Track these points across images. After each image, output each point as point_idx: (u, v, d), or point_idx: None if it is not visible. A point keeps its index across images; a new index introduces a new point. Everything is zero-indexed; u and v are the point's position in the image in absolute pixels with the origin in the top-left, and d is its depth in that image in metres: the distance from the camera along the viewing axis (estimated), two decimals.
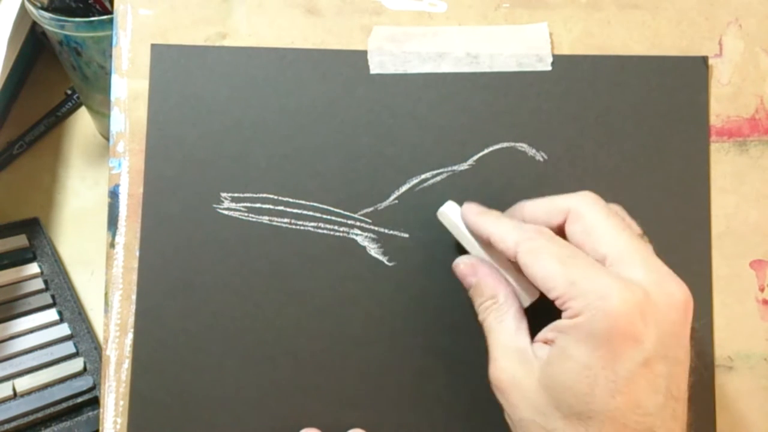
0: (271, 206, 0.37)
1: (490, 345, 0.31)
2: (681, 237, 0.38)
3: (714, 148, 0.39)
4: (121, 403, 0.36)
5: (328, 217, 0.37)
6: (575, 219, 0.30)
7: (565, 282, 0.28)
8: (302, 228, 0.37)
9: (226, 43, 0.37)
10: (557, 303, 0.28)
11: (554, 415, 0.27)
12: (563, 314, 0.28)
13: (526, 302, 0.32)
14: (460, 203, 0.37)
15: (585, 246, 0.29)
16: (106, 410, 0.36)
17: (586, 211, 0.30)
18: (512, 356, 0.29)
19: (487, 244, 0.33)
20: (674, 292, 0.28)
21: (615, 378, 0.26)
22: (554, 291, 0.28)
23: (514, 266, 0.32)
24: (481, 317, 0.32)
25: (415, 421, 0.37)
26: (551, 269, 0.28)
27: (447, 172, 0.38)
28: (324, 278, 0.37)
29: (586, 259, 0.28)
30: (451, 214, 0.35)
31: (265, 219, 0.37)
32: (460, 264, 0.34)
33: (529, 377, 0.29)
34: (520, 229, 0.31)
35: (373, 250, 0.37)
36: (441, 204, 0.36)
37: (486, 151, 0.38)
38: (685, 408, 0.28)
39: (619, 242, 0.29)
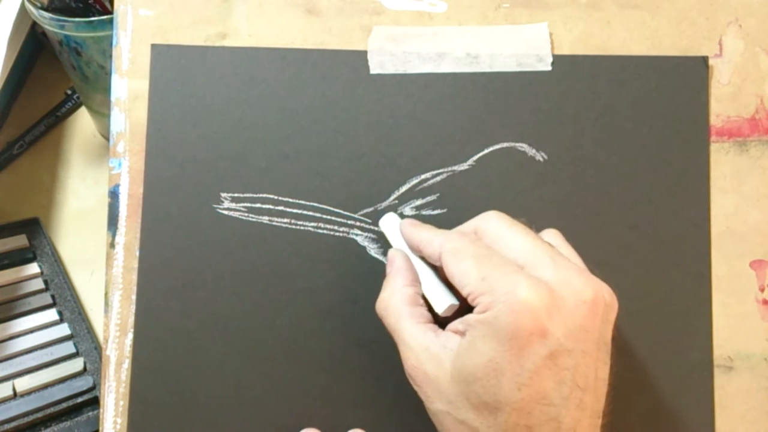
0: (271, 206, 0.37)
1: (396, 343, 0.32)
2: (681, 237, 0.38)
3: (714, 148, 0.39)
4: (121, 403, 0.36)
5: (328, 217, 0.37)
6: (482, 235, 0.32)
7: (477, 277, 0.29)
8: (302, 228, 0.37)
9: (226, 43, 0.37)
10: (469, 299, 0.29)
11: (465, 406, 0.29)
12: (474, 309, 0.29)
13: (442, 309, 0.32)
14: (460, 203, 0.37)
15: None
16: (106, 410, 0.36)
17: (490, 224, 0.32)
18: (420, 353, 0.30)
19: (418, 253, 0.34)
20: (582, 289, 0.28)
21: (520, 371, 0.27)
22: (467, 287, 0.29)
23: (440, 275, 0.33)
24: (380, 314, 0.33)
25: (415, 421, 0.37)
26: (466, 266, 0.30)
27: (447, 172, 0.38)
28: (324, 278, 0.37)
29: (500, 259, 0.30)
30: (391, 225, 0.36)
31: (265, 219, 0.37)
32: (389, 252, 0.35)
33: (440, 370, 0.30)
34: (445, 234, 0.32)
35: (373, 250, 0.37)
36: (441, 207, 0.36)
37: (486, 151, 0.38)
38: (595, 397, 0.29)
39: (526, 246, 0.30)
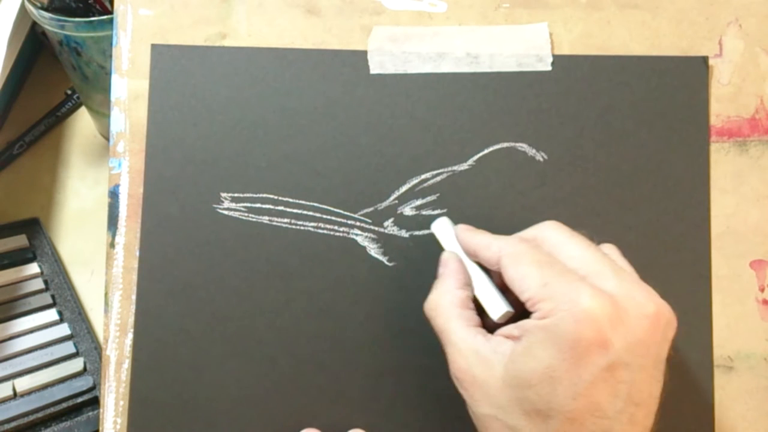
0: (271, 206, 0.37)
1: (443, 344, 0.31)
2: (681, 237, 0.38)
3: (714, 148, 0.39)
4: (121, 403, 0.36)
5: (328, 217, 0.37)
6: (542, 243, 0.31)
7: (539, 283, 0.29)
8: (302, 228, 0.37)
9: (226, 43, 0.37)
10: (528, 305, 0.29)
11: (516, 412, 0.28)
12: (532, 315, 0.29)
13: (498, 315, 0.32)
14: (460, 203, 0.37)
15: None
16: (106, 410, 0.36)
17: (550, 234, 0.31)
18: (469, 356, 0.30)
19: (474, 258, 0.33)
20: (645, 303, 0.28)
21: (577, 381, 0.27)
22: (527, 292, 0.29)
23: (496, 280, 0.33)
24: (428, 314, 0.33)
25: (415, 421, 0.37)
26: (527, 271, 0.29)
27: (447, 172, 0.38)
28: (324, 278, 0.37)
29: (562, 266, 0.29)
30: (444, 228, 0.36)
31: (265, 219, 0.37)
32: (443, 254, 0.35)
33: (490, 374, 0.29)
34: (504, 239, 0.32)
35: (373, 250, 0.37)
36: (441, 207, 0.36)
37: (486, 151, 0.38)
38: (646, 413, 0.28)
39: (587, 256, 0.30)
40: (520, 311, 0.31)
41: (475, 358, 0.30)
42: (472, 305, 0.32)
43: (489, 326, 0.31)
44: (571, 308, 0.27)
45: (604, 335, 0.27)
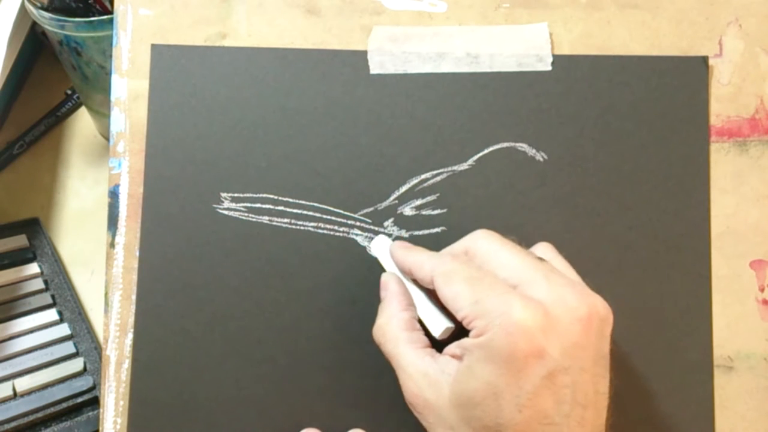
0: (271, 206, 0.37)
1: (395, 369, 0.31)
2: (681, 237, 0.38)
3: (714, 148, 0.39)
4: (121, 403, 0.36)
5: (328, 217, 0.37)
6: (473, 256, 0.31)
7: (471, 301, 0.29)
8: (302, 228, 0.37)
9: (226, 43, 0.37)
10: (464, 323, 0.29)
11: (467, 431, 0.28)
12: (470, 333, 0.29)
13: (439, 332, 0.32)
14: (460, 203, 0.37)
15: None
16: (106, 410, 0.36)
17: (480, 244, 0.31)
18: (419, 380, 0.30)
19: (410, 277, 0.34)
20: (576, 306, 0.28)
21: (519, 393, 0.27)
22: (461, 311, 0.29)
23: (433, 297, 0.33)
24: (377, 340, 0.33)
25: (415, 421, 0.37)
26: (459, 290, 0.29)
27: (447, 172, 0.38)
28: (324, 278, 0.37)
29: (492, 280, 0.29)
30: (382, 248, 0.36)
31: (265, 219, 0.37)
32: (382, 276, 0.35)
33: (439, 396, 0.29)
34: (437, 257, 0.32)
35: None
36: (441, 207, 0.36)
37: (486, 151, 0.38)
38: (595, 412, 0.28)
39: (518, 264, 0.30)
40: (463, 326, 0.31)
41: (424, 382, 0.30)
42: (418, 326, 0.32)
43: (438, 344, 0.32)
44: (502, 322, 0.27)
45: (539, 344, 0.27)
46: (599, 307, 0.29)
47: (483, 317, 0.28)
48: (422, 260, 0.32)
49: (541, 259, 0.31)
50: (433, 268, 0.31)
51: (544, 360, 0.27)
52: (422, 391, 0.30)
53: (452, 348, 0.30)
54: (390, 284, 0.34)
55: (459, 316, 0.29)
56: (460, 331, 0.31)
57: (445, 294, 0.30)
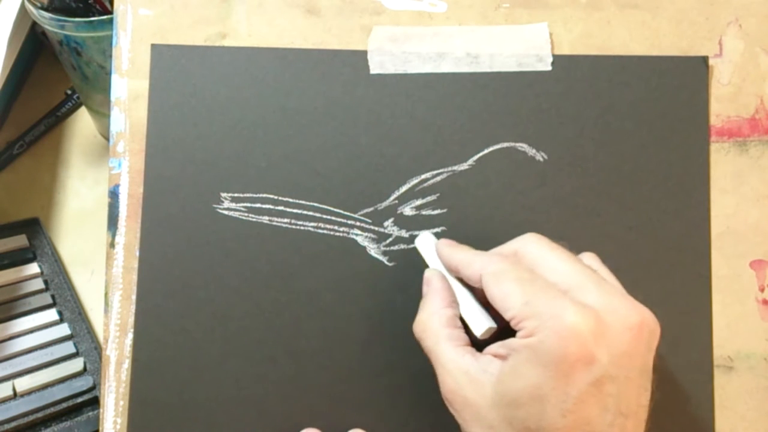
0: (271, 206, 0.37)
1: (434, 365, 0.31)
2: (681, 237, 0.38)
3: (714, 148, 0.39)
4: (121, 403, 0.36)
5: (328, 217, 0.37)
6: (523, 258, 0.31)
7: (521, 302, 0.29)
8: (302, 228, 0.37)
9: (226, 43, 0.37)
10: (512, 323, 0.29)
11: (507, 431, 0.28)
12: (517, 334, 0.29)
13: (481, 332, 0.32)
14: (460, 203, 0.37)
15: None
16: (106, 410, 0.36)
17: (531, 248, 0.31)
18: (459, 377, 0.30)
19: (456, 274, 0.33)
20: (627, 315, 0.28)
21: (565, 398, 0.27)
22: (510, 311, 0.29)
23: (479, 296, 0.32)
24: (418, 335, 0.33)
25: (415, 421, 0.37)
26: (509, 290, 0.29)
27: (447, 172, 0.38)
28: (324, 278, 0.37)
29: (544, 282, 0.29)
30: (427, 245, 0.36)
31: (265, 219, 0.37)
32: (426, 272, 0.35)
33: (480, 395, 0.29)
34: (486, 256, 0.32)
35: (373, 250, 0.37)
36: (441, 207, 0.36)
37: (486, 151, 0.38)
38: (636, 423, 0.28)
39: (568, 270, 0.30)
40: (506, 326, 0.30)
41: (464, 379, 0.30)
42: (459, 323, 0.32)
43: (479, 343, 0.31)
44: (554, 325, 0.27)
45: (589, 350, 0.27)
46: (649, 319, 0.29)
47: (533, 318, 0.28)
48: (471, 258, 0.32)
49: (590, 267, 0.31)
50: (483, 267, 0.31)
51: (593, 366, 0.27)
52: (461, 389, 0.30)
53: (495, 347, 0.30)
54: (433, 280, 0.34)
55: (507, 316, 0.29)
56: (500, 333, 0.31)
57: (494, 293, 0.30)
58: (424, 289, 0.34)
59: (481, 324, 0.32)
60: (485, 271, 0.31)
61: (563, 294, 0.29)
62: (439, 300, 0.33)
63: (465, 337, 0.32)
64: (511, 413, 0.28)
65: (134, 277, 0.36)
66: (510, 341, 0.29)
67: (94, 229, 0.55)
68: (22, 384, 0.43)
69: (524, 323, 0.28)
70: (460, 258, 0.33)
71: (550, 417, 0.27)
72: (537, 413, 0.27)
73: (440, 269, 0.34)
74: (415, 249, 0.37)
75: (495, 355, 0.30)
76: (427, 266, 0.35)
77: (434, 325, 0.32)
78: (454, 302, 0.33)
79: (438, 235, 0.37)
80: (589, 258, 0.33)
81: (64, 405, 0.43)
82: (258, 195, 0.37)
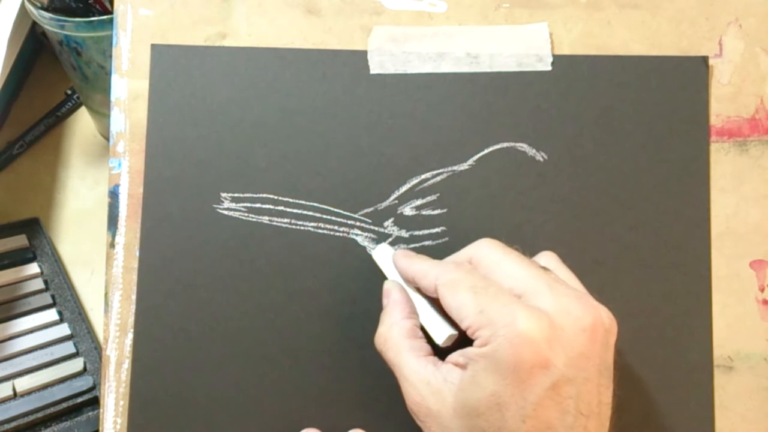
0: (271, 206, 0.37)
1: (397, 377, 0.31)
2: (681, 237, 0.38)
3: (714, 148, 0.39)
4: (121, 403, 0.36)
5: (329, 217, 0.37)
6: (477, 264, 0.31)
7: (475, 311, 0.29)
8: (302, 228, 0.37)
9: (226, 43, 0.37)
10: (468, 333, 0.29)
11: None
12: (474, 343, 0.29)
13: (442, 340, 0.32)
14: (460, 203, 0.37)
15: None
16: (106, 410, 0.36)
17: (484, 253, 0.31)
18: (421, 388, 0.30)
19: (413, 285, 0.34)
20: (581, 316, 0.28)
21: (524, 404, 0.27)
22: (465, 320, 0.29)
23: (436, 305, 0.33)
24: (379, 348, 0.33)
25: (415, 422, 0.37)
26: (463, 299, 0.29)
27: (447, 172, 0.38)
28: (324, 278, 0.37)
29: (497, 289, 0.29)
30: (384, 256, 0.36)
31: (265, 219, 0.37)
32: (384, 284, 0.35)
33: (443, 405, 0.29)
34: (441, 265, 0.32)
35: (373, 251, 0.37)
36: (441, 207, 0.36)
37: (486, 151, 0.38)
38: (598, 422, 0.28)
39: (522, 274, 0.30)
40: (466, 334, 0.31)
41: (427, 390, 0.30)
42: (420, 333, 0.32)
43: (441, 352, 0.31)
44: (507, 333, 0.27)
45: (544, 355, 0.27)
46: (604, 317, 0.29)
47: (488, 327, 0.28)
48: (426, 269, 0.32)
49: (545, 268, 0.31)
50: (438, 277, 0.31)
51: (549, 371, 0.27)
52: (425, 400, 0.30)
53: (455, 356, 0.30)
54: (392, 292, 0.34)
55: (463, 326, 0.29)
56: (463, 340, 0.31)
57: (449, 303, 0.30)
58: (384, 301, 0.34)
59: (442, 332, 0.32)
60: (440, 282, 0.31)
61: (516, 300, 0.29)
62: (399, 311, 0.33)
63: (426, 347, 0.32)
64: (472, 422, 0.28)
65: (134, 277, 0.36)
66: (468, 350, 0.29)
67: (94, 229, 0.55)
68: (22, 384, 0.43)
69: (479, 332, 0.28)
70: (416, 269, 0.33)
71: (511, 424, 0.27)
72: (497, 421, 0.27)
73: (399, 280, 0.35)
74: (415, 247, 0.37)
75: (455, 364, 0.30)
76: (385, 278, 0.35)
77: (395, 336, 0.32)
78: (413, 313, 0.33)
79: (438, 235, 0.37)
80: (547, 258, 0.33)
81: (64, 405, 0.43)
82: (258, 195, 0.37)
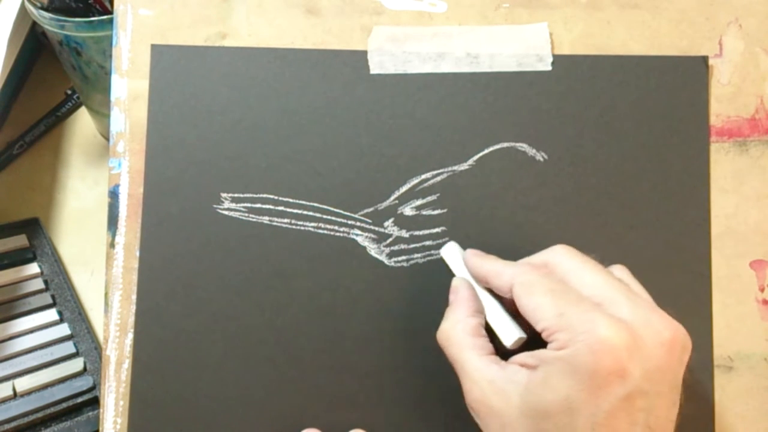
0: (271, 206, 0.37)
1: (458, 374, 0.31)
2: (681, 237, 0.38)
3: (714, 148, 0.39)
4: (121, 403, 0.36)
5: (329, 217, 0.37)
6: (554, 269, 0.31)
7: (554, 314, 0.29)
8: (302, 228, 0.37)
9: (226, 43, 0.37)
10: (544, 335, 0.29)
11: None
12: (549, 345, 0.29)
13: (511, 342, 0.32)
14: (460, 203, 0.37)
15: None
16: (106, 410, 0.36)
17: (561, 259, 0.31)
18: (484, 386, 0.30)
19: (484, 284, 0.33)
20: (661, 329, 0.28)
21: (596, 411, 0.27)
22: (543, 322, 0.29)
23: (507, 305, 0.33)
24: (441, 344, 0.33)
25: (415, 421, 0.37)
26: (542, 301, 0.29)
27: (447, 172, 0.38)
28: (324, 278, 0.37)
29: (577, 295, 0.29)
30: (453, 254, 0.36)
31: (265, 219, 0.37)
32: (453, 281, 0.35)
33: (507, 404, 0.29)
34: (516, 266, 0.32)
35: (373, 250, 0.37)
36: (441, 207, 0.36)
37: (486, 151, 0.38)
38: None
39: (600, 283, 0.30)
40: (532, 335, 0.30)
41: (490, 388, 0.30)
42: (484, 333, 0.32)
43: (503, 353, 0.31)
44: (587, 339, 0.27)
45: (622, 364, 0.27)
46: (682, 334, 0.29)
47: (566, 331, 0.28)
48: (500, 268, 0.32)
49: (621, 280, 0.31)
50: (514, 277, 0.31)
51: (626, 381, 0.27)
52: (487, 398, 0.30)
53: (523, 357, 0.30)
54: (461, 289, 0.34)
55: (539, 327, 0.29)
56: (527, 343, 0.31)
57: (525, 304, 0.30)
58: (451, 297, 0.34)
59: (511, 334, 0.31)
60: (516, 281, 0.31)
61: (596, 307, 0.28)
62: (464, 309, 0.33)
63: (490, 347, 0.32)
64: (540, 424, 0.28)
65: (134, 277, 0.36)
66: (540, 352, 0.29)
67: (94, 229, 0.55)
68: (22, 384, 0.43)
69: (557, 335, 0.28)
70: (489, 268, 0.33)
71: (580, 430, 0.27)
72: (566, 425, 0.27)
73: (467, 278, 0.34)
74: (416, 247, 0.37)
75: (522, 365, 0.30)
76: (453, 275, 0.35)
77: (458, 333, 0.32)
78: (479, 311, 0.33)
79: (438, 235, 0.37)
80: (620, 271, 0.33)
81: (64, 405, 0.43)
82: (258, 195, 0.37)
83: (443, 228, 0.37)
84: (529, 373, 0.29)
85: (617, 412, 0.27)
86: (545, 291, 0.29)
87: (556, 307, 0.29)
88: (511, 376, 0.29)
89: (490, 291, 0.33)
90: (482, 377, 0.30)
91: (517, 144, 0.38)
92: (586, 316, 0.28)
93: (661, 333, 0.28)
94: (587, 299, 0.29)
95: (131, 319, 0.36)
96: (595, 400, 0.27)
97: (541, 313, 0.29)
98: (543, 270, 0.31)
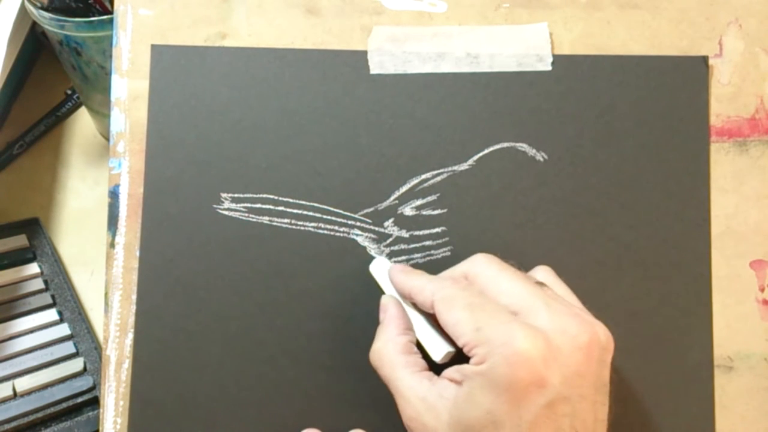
0: (271, 206, 0.37)
1: (392, 393, 0.31)
2: (681, 237, 0.38)
3: (714, 148, 0.39)
4: (121, 403, 0.36)
5: (329, 217, 0.37)
6: (474, 280, 0.31)
7: (472, 328, 0.29)
8: (302, 228, 0.37)
9: (226, 43, 0.37)
10: (465, 350, 0.29)
11: None
12: (470, 360, 0.29)
13: (440, 357, 0.32)
14: (460, 203, 0.37)
15: None
16: (106, 410, 0.36)
17: (480, 269, 0.32)
18: (417, 404, 0.30)
19: (410, 300, 0.34)
20: (577, 334, 0.28)
21: (519, 422, 0.27)
22: (462, 337, 0.29)
23: (433, 320, 0.33)
24: (374, 364, 0.33)
25: None
26: (460, 316, 0.29)
27: (447, 172, 0.38)
28: (324, 278, 0.37)
29: (494, 307, 0.29)
30: (381, 270, 0.36)
31: (265, 219, 0.37)
32: (382, 299, 0.35)
33: (438, 421, 0.29)
34: (437, 281, 0.32)
35: (374, 250, 0.37)
36: (441, 207, 0.36)
37: (486, 151, 0.38)
38: None
39: (518, 291, 0.30)
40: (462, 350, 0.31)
41: (422, 406, 0.30)
42: (415, 349, 0.32)
43: (435, 367, 0.31)
44: (504, 351, 0.27)
45: (540, 374, 0.27)
46: (600, 334, 0.29)
47: (484, 345, 0.28)
48: (422, 284, 0.32)
49: (541, 283, 0.31)
50: (434, 293, 0.31)
51: (545, 389, 0.27)
52: (420, 416, 0.30)
53: (451, 372, 0.30)
54: (389, 307, 0.34)
55: (460, 343, 0.29)
56: (460, 355, 0.31)
57: (445, 319, 0.30)
58: (381, 316, 0.34)
59: (440, 349, 0.32)
60: (436, 297, 0.31)
61: (513, 318, 0.29)
62: (394, 327, 0.33)
63: (422, 363, 0.32)
64: None
65: (134, 277, 0.36)
66: (464, 367, 0.29)
67: (94, 229, 0.55)
68: (22, 384, 0.43)
69: (476, 350, 0.28)
70: (412, 284, 0.33)
71: None
72: None
73: (396, 295, 0.35)
74: (416, 247, 0.37)
75: (451, 380, 0.30)
76: (383, 292, 0.35)
77: (389, 352, 0.32)
78: (409, 329, 0.33)
79: (438, 235, 0.37)
80: (543, 273, 0.33)
81: (64, 405, 0.43)
82: (258, 195, 0.37)
83: (443, 228, 0.37)
84: (456, 388, 0.29)
85: (541, 421, 0.27)
86: (463, 306, 0.30)
87: (474, 321, 0.29)
88: (441, 392, 0.30)
89: (417, 307, 0.33)
90: (414, 395, 0.30)
91: (517, 144, 0.38)
92: (502, 328, 0.28)
93: (578, 337, 0.28)
94: (504, 309, 0.29)
95: (131, 319, 0.36)
96: (518, 411, 0.27)
97: (460, 328, 0.29)
98: (463, 282, 0.32)
